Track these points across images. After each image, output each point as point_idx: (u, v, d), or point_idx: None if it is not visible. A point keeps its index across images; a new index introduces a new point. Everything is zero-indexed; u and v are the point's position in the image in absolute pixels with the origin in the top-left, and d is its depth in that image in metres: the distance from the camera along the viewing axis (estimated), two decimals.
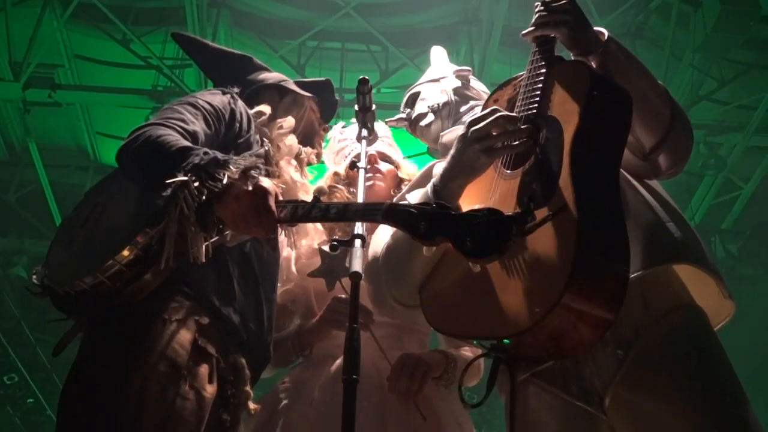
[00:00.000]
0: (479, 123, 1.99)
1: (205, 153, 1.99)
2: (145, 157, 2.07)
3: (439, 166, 2.17)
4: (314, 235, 2.78)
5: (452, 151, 2.06)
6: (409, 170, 3.07)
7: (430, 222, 1.68)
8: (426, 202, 1.74)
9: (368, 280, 2.30)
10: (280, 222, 1.97)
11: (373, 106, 2.49)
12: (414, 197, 2.16)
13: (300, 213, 1.95)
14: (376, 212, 1.80)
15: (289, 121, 2.60)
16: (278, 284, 2.70)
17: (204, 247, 1.97)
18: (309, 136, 2.75)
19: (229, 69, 2.76)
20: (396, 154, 3.16)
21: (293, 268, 2.78)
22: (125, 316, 2.02)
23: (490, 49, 7.65)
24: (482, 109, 2.24)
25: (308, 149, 2.68)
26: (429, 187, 2.09)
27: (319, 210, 1.92)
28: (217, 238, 2.02)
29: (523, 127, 1.96)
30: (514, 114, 2.00)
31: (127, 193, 2.17)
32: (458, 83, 2.78)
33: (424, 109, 2.74)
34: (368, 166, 2.39)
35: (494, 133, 1.97)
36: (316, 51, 8.53)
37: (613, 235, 1.80)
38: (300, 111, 2.72)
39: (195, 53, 2.89)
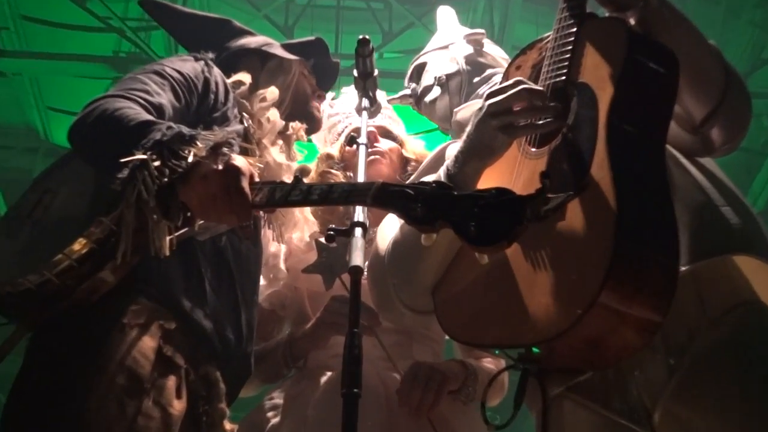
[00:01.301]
0: (498, 95, 1.98)
1: (169, 128, 1.98)
2: (100, 133, 2.06)
3: (453, 148, 2.15)
4: (304, 226, 2.77)
5: (467, 129, 2.05)
6: (416, 148, 3.06)
7: (427, 204, 1.66)
8: (424, 182, 1.72)
9: (372, 281, 2.30)
10: (255, 207, 1.97)
11: (375, 71, 2.47)
12: None
13: (278, 196, 1.93)
14: (365, 194, 1.78)
15: (272, 92, 2.59)
16: (263, 284, 2.69)
17: (168, 239, 1.95)
18: (300, 107, 2.74)
19: (204, 35, 2.74)
20: (399, 129, 3.15)
21: (282, 266, 2.76)
22: (77, 320, 2.02)
23: (513, 5, 7.62)
24: (503, 79, 2.23)
25: (296, 124, 2.67)
26: (442, 172, 2.09)
27: (299, 192, 1.91)
28: (185, 229, 2.02)
29: (550, 104, 1.95)
30: (539, 87, 1.99)
31: (81, 178, 2.16)
32: (470, 49, 2.77)
33: (430, 81, 2.72)
34: (367, 144, 2.36)
35: (516, 109, 1.96)
36: (307, 9, 8.51)
37: (659, 222, 1.79)
38: (287, 78, 2.71)
39: (165, 19, 2.89)
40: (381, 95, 2.73)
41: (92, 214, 2.01)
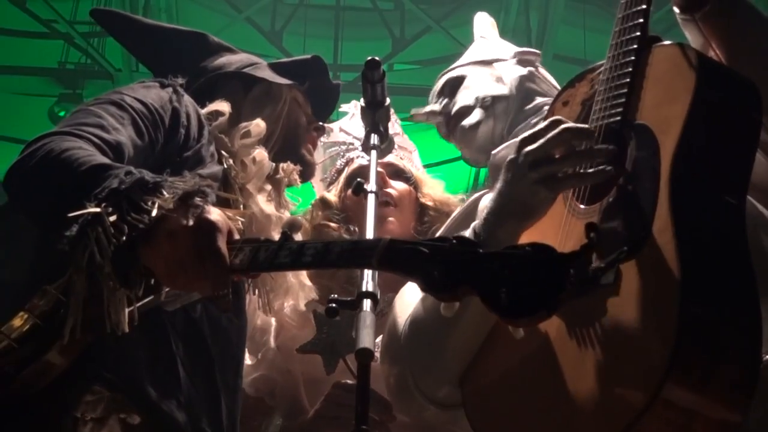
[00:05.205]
0: (536, 141, 1.99)
1: (128, 173, 1.94)
2: (44, 180, 2.04)
3: (487, 201, 2.15)
4: (299, 293, 2.72)
5: (499, 183, 2.05)
6: (434, 191, 3.05)
7: (447, 266, 1.60)
8: (442, 237, 1.70)
9: (387, 365, 2.31)
10: (234, 272, 1.92)
11: (387, 100, 2.44)
12: None
13: (262, 258, 1.89)
14: (369, 254, 1.72)
15: (258, 126, 2.59)
16: (248, 365, 2.67)
17: (128, 311, 1.92)
18: (292, 143, 2.74)
19: (173, 54, 2.76)
20: (411, 162, 3.13)
21: (272, 343, 2.75)
22: (18, 413, 2.00)
23: (554, 4, 7.65)
24: (546, 117, 2.23)
25: (288, 165, 2.67)
26: (469, 235, 2.09)
27: (288, 253, 1.86)
28: (149, 298, 1.99)
29: (601, 147, 1.95)
30: (586, 126, 2.00)
31: (19, 235, 2.16)
32: (522, 71, 2.79)
33: (470, 101, 2.74)
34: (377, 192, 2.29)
35: (558, 156, 1.97)
36: (299, 10, 8.54)
37: (736, 298, 1.79)
38: (276, 108, 2.72)
39: (123, 34, 2.90)
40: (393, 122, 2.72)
41: (30, 281, 2.01)
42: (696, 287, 1.74)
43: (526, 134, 2.04)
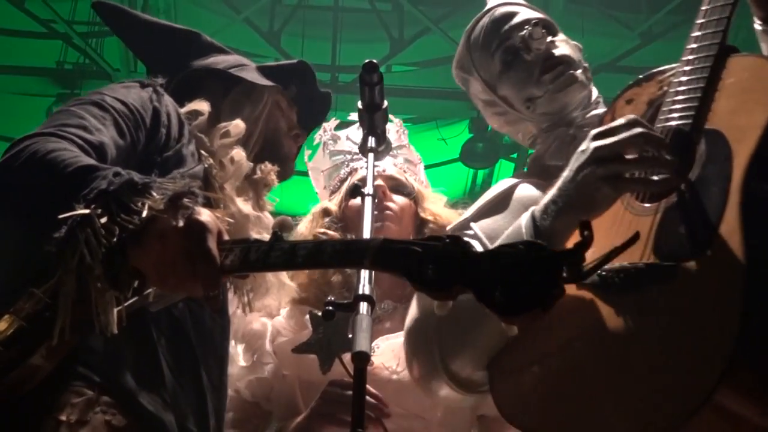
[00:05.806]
0: (609, 137, 1.96)
1: (116, 174, 1.93)
2: (29, 182, 2.04)
3: (526, 189, 2.12)
4: (281, 293, 2.72)
5: (565, 172, 2.03)
6: (435, 206, 3.03)
7: (441, 265, 1.60)
8: (435, 236, 1.67)
9: (414, 345, 2.28)
10: (226, 272, 1.90)
11: (385, 103, 2.42)
12: (490, 227, 2.09)
13: (254, 258, 1.87)
14: (362, 253, 1.72)
15: (237, 126, 2.59)
16: (243, 367, 2.66)
17: (116, 312, 1.90)
18: (272, 146, 2.74)
19: (167, 51, 2.76)
20: (414, 174, 3.12)
21: (268, 347, 2.74)
22: (1, 416, 1.98)
23: (553, 5, 7.65)
24: (608, 114, 2.21)
25: (266, 166, 2.66)
26: (525, 221, 2.08)
27: (281, 253, 1.84)
28: (135, 298, 1.97)
29: (671, 159, 1.92)
30: (661, 137, 1.97)
31: (4, 237, 2.14)
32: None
33: (575, 57, 2.67)
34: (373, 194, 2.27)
35: (628, 157, 1.94)
36: (298, 11, 8.55)
37: None
38: (255, 109, 2.72)
39: (122, 29, 2.90)
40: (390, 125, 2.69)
41: (15, 284, 1.99)
42: (761, 294, 1.72)
43: (600, 128, 2.01)
